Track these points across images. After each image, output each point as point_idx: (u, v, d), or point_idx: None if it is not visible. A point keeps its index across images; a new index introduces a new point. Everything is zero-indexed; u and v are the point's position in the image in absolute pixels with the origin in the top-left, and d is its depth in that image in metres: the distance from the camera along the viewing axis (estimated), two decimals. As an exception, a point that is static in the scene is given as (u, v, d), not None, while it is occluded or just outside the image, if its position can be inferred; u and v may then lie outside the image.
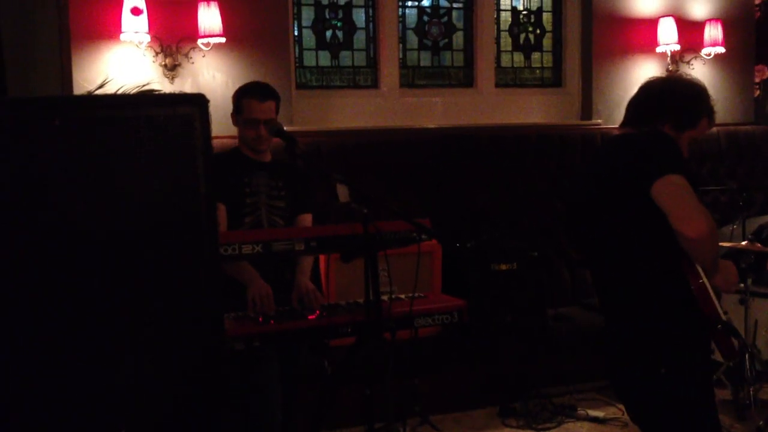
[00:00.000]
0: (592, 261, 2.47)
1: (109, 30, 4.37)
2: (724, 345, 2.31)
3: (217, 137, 4.36)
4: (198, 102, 1.79)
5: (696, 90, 2.43)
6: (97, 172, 1.67)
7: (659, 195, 2.15)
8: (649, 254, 2.26)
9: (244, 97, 3.21)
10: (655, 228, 2.18)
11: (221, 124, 4.49)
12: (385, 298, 2.87)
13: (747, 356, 3.95)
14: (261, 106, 3.17)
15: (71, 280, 1.64)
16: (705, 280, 2.25)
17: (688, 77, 2.54)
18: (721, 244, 4.18)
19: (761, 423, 3.73)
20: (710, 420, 2.31)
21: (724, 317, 2.30)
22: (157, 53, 4.49)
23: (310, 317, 2.91)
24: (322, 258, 3.94)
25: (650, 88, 2.44)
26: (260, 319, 2.84)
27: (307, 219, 3.31)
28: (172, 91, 4.27)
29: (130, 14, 4.27)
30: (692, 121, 2.39)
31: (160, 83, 4.45)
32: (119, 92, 2.23)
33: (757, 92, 6.02)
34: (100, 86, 2.66)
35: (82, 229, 1.65)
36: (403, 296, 3.16)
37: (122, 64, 4.43)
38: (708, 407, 2.31)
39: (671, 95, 2.38)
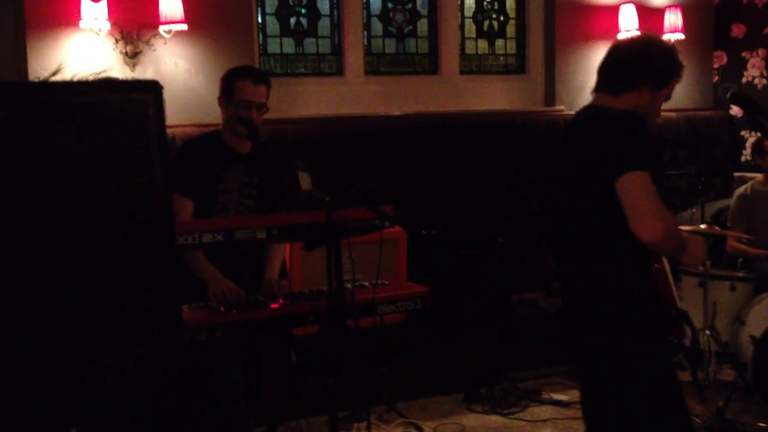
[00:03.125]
0: (560, 233, 2.47)
1: (68, 17, 4.29)
2: (676, 330, 2.34)
3: (179, 125, 4.36)
4: (152, 88, 1.75)
5: (666, 48, 2.41)
6: (48, 160, 1.63)
7: (621, 191, 2.15)
8: (613, 234, 2.27)
9: (237, 78, 3.08)
10: (620, 215, 2.18)
11: (183, 112, 4.48)
12: (348, 285, 2.87)
13: (706, 338, 4.03)
14: (255, 89, 3.05)
15: (20, 271, 1.61)
16: (665, 264, 2.29)
17: (655, 36, 2.53)
18: (680, 227, 4.26)
19: (721, 404, 3.80)
20: (673, 401, 2.33)
21: (679, 303, 2.34)
22: (117, 40, 4.42)
23: (273, 306, 2.89)
24: (286, 246, 3.93)
25: (622, 51, 2.38)
26: (222, 308, 2.81)
27: None
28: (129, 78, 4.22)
29: (89, 1, 4.20)
30: (666, 80, 2.36)
31: (121, 71, 4.39)
32: (74, 79, 2.18)
33: (716, 78, 6.11)
34: (54, 73, 2.60)
35: (33, 218, 1.62)
36: (366, 284, 3.15)
37: (81, 51, 4.36)
38: (670, 387, 2.33)
39: (646, 58, 2.33)
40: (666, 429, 2.33)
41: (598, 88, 2.41)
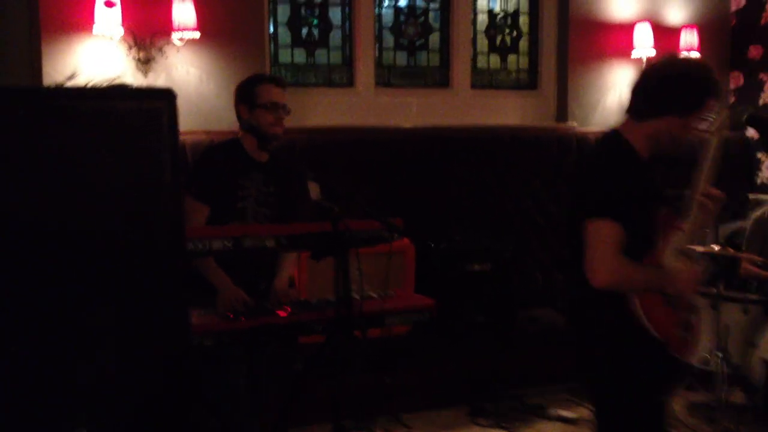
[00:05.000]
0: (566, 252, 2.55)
1: (82, 22, 4.31)
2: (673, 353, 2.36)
3: (189, 132, 4.36)
4: (166, 96, 1.76)
5: (696, 70, 2.35)
6: (61, 165, 1.64)
7: (584, 234, 2.26)
8: None
9: (259, 84, 3.14)
10: None
11: (195, 119, 4.49)
12: (356, 296, 2.86)
13: (718, 360, 3.99)
14: (279, 90, 3.14)
15: (32, 275, 1.61)
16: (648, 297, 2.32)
17: (684, 58, 2.56)
18: (693, 248, 4.22)
19: (731, 426, 3.77)
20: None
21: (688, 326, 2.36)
22: (130, 47, 4.44)
23: (280, 314, 2.89)
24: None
25: (651, 73, 2.36)
26: (230, 315, 2.81)
27: None
28: (142, 86, 4.23)
29: (103, 6, 4.22)
30: (697, 104, 2.32)
31: (133, 77, 4.41)
32: (88, 86, 2.19)
33: (732, 99, 6.08)
34: (69, 79, 2.63)
35: (45, 222, 1.62)
36: (374, 294, 3.14)
37: (95, 57, 4.38)
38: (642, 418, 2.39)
39: (675, 83, 2.29)
40: None
41: (628, 111, 2.41)
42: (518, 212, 5.24)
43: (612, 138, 2.40)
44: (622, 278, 2.27)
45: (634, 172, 2.32)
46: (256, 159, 3.14)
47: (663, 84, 2.30)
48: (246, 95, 3.14)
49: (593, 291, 2.29)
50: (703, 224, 2.50)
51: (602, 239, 2.23)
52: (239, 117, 3.16)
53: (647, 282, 2.33)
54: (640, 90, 2.35)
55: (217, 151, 3.23)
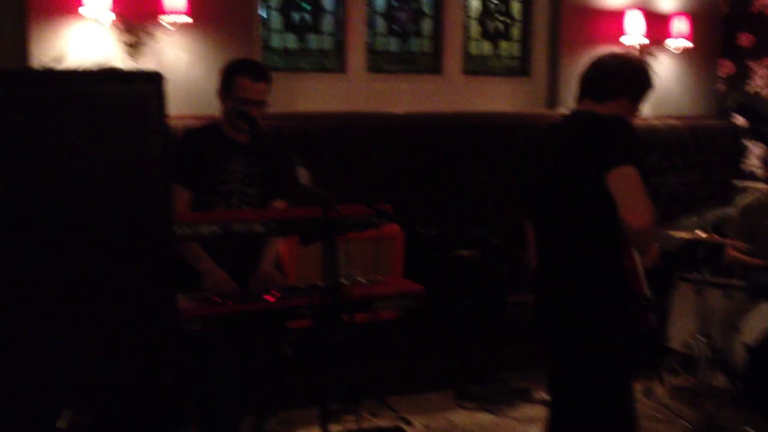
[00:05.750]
0: (541, 230, 2.67)
1: (70, 5, 4.28)
2: (642, 318, 2.47)
3: (179, 117, 4.35)
4: (154, 79, 1.76)
5: (643, 65, 2.69)
6: (47, 148, 1.64)
7: (613, 183, 2.33)
8: (591, 231, 2.44)
9: (237, 74, 3.08)
10: (603, 208, 2.35)
11: (185, 103, 4.48)
12: (344, 281, 2.88)
13: (701, 344, 4.04)
14: (254, 85, 3.06)
15: (17, 259, 1.61)
16: (636, 259, 2.43)
17: (633, 54, 2.76)
18: (679, 234, 4.27)
19: (712, 409, 3.81)
20: (622, 400, 2.51)
21: (648, 294, 2.46)
22: (120, 30, 4.41)
23: (267, 299, 2.90)
24: (283, 240, 3.94)
25: (605, 64, 2.63)
26: (217, 299, 2.82)
27: (280, 206, 3.25)
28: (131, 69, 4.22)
29: (92, -11, 4.20)
30: (643, 94, 2.64)
31: (122, 62, 4.39)
32: (77, 69, 2.19)
33: (721, 87, 6.10)
34: (57, 61, 2.62)
35: (31, 206, 1.62)
36: (362, 280, 3.16)
37: (84, 40, 4.35)
38: (622, 389, 2.51)
39: (631, 72, 2.60)
40: (617, 418, 2.52)
41: (583, 96, 2.64)
42: (507, 198, 5.25)
43: (592, 112, 2.57)
44: (655, 222, 2.34)
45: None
46: (237, 141, 3.13)
47: (622, 71, 2.59)
48: (225, 81, 3.13)
49: (593, 258, 2.42)
50: None
51: (637, 182, 2.32)
52: (220, 100, 3.16)
53: (655, 236, 2.44)
54: (599, 75, 2.61)
55: (196, 136, 3.20)
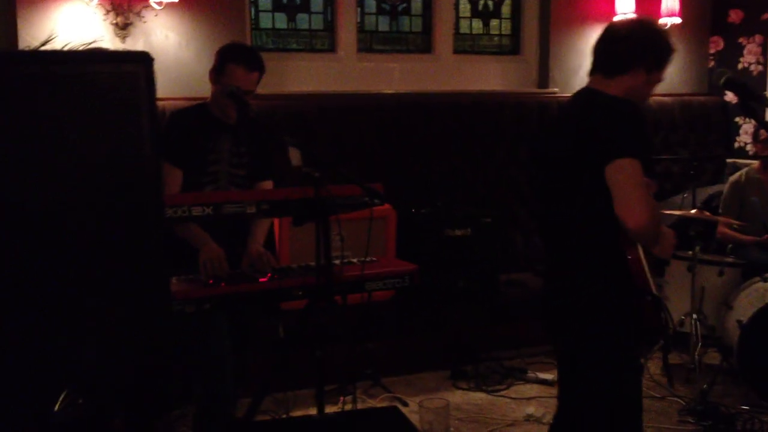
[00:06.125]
0: (544, 214, 2.50)
1: (57, -14, 4.25)
2: (652, 317, 2.38)
3: (169, 98, 4.33)
4: (142, 59, 1.74)
5: (661, 31, 2.43)
6: (36, 130, 1.62)
7: (610, 176, 2.17)
8: (593, 221, 2.30)
9: (231, 61, 3.04)
10: (604, 198, 2.20)
11: (174, 85, 4.45)
12: (337, 261, 2.88)
13: (693, 321, 4.06)
14: (247, 75, 3.03)
15: (11, 242, 1.60)
16: (641, 253, 2.30)
17: (650, 19, 2.54)
18: (671, 212, 4.28)
19: (705, 386, 3.84)
20: (630, 392, 2.39)
21: (655, 291, 2.36)
22: (107, 11, 4.37)
23: (261, 280, 2.90)
24: (276, 221, 3.93)
25: (618, 32, 2.39)
26: (211, 281, 2.82)
27: (267, 186, 3.25)
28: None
29: (79, -30, 4.15)
30: (661, 63, 2.39)
31: (111, 43, 4.35)
32: (64, 49, 2.17)
33: (712, 63, 6.10)
34: (45, 43, 2.59)
35: (21, 188, 1.61)
36: (355, 260, 3.16)
37: (71, 22, 4.30)
38: (629, 379, 2.39)
39: (642, 39, 2.36)
40: (624, 413, 2.39)
41: (594, 70, 2.42)
42: (499, 177, 5.25)
43: (599, 92, 2.37)
44: (655, 220, 2.19)
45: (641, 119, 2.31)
46: (224, 121, 3.12)
47: (634, 39, 2.35)
48: (217, 64, 3.09)
49: (597, 249, 2.29)
50: None
51: (636, 178, 2.15)
52: (210, 81, 3.14)
53: (659, 232, 2.28)
54: (609, 42, 2.39)
55: (184, 116, 3.18)
